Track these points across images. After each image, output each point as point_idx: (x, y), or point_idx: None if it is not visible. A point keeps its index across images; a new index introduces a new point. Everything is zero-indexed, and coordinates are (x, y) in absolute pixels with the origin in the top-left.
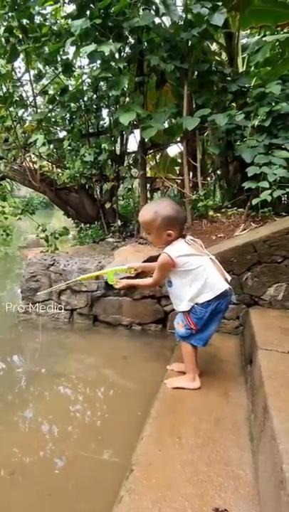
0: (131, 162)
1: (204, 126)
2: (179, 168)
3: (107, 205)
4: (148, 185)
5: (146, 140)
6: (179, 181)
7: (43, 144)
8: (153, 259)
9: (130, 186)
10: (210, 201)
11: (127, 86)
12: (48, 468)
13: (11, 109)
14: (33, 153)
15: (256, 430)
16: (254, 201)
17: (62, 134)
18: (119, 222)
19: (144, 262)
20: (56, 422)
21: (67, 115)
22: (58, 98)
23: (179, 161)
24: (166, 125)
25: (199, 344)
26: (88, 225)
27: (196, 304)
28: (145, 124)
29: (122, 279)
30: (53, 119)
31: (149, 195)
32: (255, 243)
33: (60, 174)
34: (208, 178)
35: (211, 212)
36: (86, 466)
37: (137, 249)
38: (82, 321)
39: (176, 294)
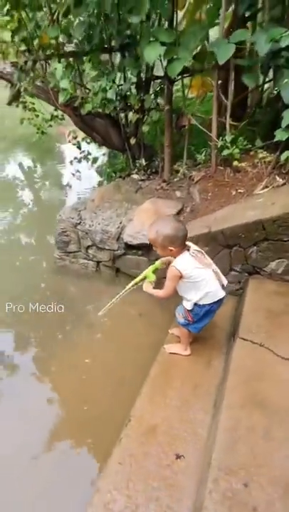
0: (157, 90)
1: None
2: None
3: (132, 141)
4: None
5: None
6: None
7: (63, 74)
8: None
9: (156, 119)
10: (236, 148)
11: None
12: (78, 404)
13: (24, 15)
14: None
15: (219, 402)
16: (283, 156)
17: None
18: (143, 162)
19: None
20: (85, 369)
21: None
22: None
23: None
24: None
25: (194, 331)
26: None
27: (196, 304)
28: (170, 54)
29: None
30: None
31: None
32: (265, 222)
33: (82, 102)
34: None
35: (235, 163)
36: (102, 405)
37: (156, 208)
38: (107, 271)
39: (181, 294)
